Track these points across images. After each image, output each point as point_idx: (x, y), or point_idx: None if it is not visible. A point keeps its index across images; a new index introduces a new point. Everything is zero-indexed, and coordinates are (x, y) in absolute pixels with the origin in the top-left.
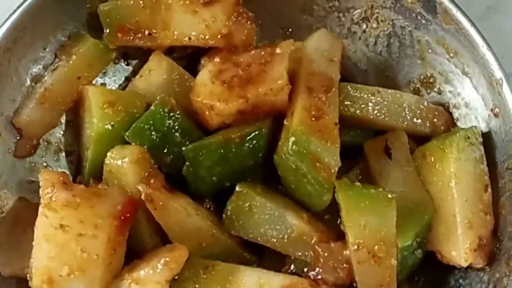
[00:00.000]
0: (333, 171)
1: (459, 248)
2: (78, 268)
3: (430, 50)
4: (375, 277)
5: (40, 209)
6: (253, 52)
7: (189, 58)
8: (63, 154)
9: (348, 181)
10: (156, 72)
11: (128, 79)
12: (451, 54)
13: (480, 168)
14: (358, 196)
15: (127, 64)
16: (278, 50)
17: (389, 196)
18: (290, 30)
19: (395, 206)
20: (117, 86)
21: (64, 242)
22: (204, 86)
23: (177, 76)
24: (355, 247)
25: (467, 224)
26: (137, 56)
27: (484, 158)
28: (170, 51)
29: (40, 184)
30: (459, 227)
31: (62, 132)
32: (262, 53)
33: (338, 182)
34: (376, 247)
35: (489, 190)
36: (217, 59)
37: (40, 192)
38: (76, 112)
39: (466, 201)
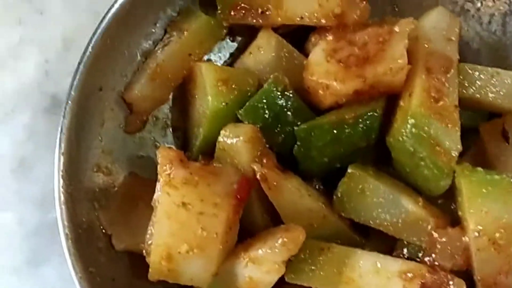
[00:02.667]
0: (453, 155)
1: None
2: (197, 246)
3: None
4: (494, 265)
5: (161, 186)
6: (369, 29)
7: (294, 34)
8: (170, 129)
9: (470, 166)
10: (266, 50)
11: (233, 56)
12: None
13: None
14: (480, 182)
15: (232, 41)
16: (396, 29)
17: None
18: (398, 7)
19: None
20: (222, 62)
21: (185, 220)
22: (319, 65)
23: (287, 54)
24: (476, 233)
25: None
26: (242, 32)
27: None
28: (275, 28)
29: (158, 161)
30: None
31: (169, 108)
32: (380, 31)
33: (460, 167)
34: (497, 235)
35: None
36: (330, 37)
37: (158, 169)
38: (183, 88)
39: None
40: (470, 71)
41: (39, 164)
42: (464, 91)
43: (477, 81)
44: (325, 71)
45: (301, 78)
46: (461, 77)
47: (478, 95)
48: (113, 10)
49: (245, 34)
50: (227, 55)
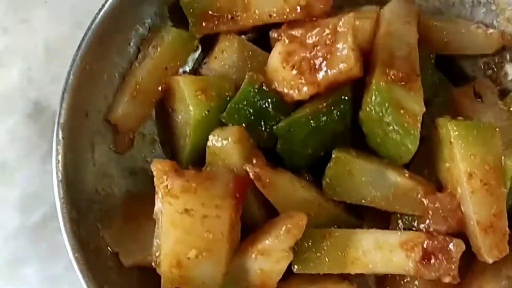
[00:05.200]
0: (418, 117)
1: None
2: (205, 249)
3: None
4: (488, 207)
5: (160, 197)
6: (318, 29)
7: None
8: (158, 144)
9: (449, 119)
10: (229, 52)
11: (196, 62)
12: None
13: None
14: (463, 128)
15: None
16: (339, 29)
17: (493, 125)
18: None
19: (500, 136)
20: (189, 71)
21: (190, 225)
22: (276, 71)
23: (250, 53)
24: (468, 176)
25: None
26: (203, 39)
27: None
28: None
29: (154, 173)
30: None
31: (153, 124)
32: (326, 32)
33: (441, 119)
34: (487, 176)
35: None
36: (285, 39)
37: (155, 181)
38: (162, 103)
39: None
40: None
41: (21, 168)
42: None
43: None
44: (281, 79)
45: None
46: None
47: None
48: (87, 36)
49: (205, 40)
50: (191, 64)
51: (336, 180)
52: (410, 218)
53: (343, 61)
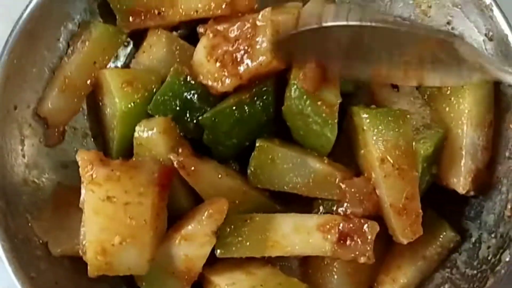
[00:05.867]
0: (335, 107)
1: (459, 176)
2: (128, 235)
3: None
4: (401, 190)
5: (84, 185)
6: (239, 23)
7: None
8: (90, 137)
9: (363, 106)
10: (157, 46)
11: (128, 57)
12: None
13: (490, 106)
14: (375, 115)
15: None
16: (258, 23)
17: (404, 112)
18: None
19: (410, 122)
20: (120, 66)
21: (113, 212)
22: (201, 65)
23: (178, 47)
24: (380, 161)
25: (470, 157)
26: (132, 35)
27: (493, 94)
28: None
29: (79, 164)
30: (463, 159)
31: (85, 118)
32: (246, 26)
33: (355, 108)
34: (398, 160)
35: (492, 126)
36: (209, 34)
37: (80, 171)
38: (94, 97)
39: (473, 137)
40: None
41: None
42: None
43: None
44: (206, 72)
45: None
46: None
47: None
48: (15, 31)
49: (137, 36)
50: (123, 59)
51: (260, 169)
52: (330, 203)
53: (263, 54)
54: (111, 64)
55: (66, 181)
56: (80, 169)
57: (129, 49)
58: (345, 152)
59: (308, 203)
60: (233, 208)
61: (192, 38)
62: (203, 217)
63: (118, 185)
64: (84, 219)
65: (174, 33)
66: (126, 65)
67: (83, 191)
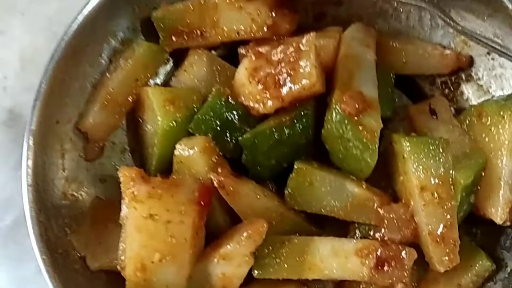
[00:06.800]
0: (376, 133)
1: (497, 207)
2: (168, 253)
3: (460, 18)
4: (440, 219)
5: (126, 202)
6: (282, 46)
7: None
8: (128, 153)
9: (403, 134)
10: (198, 66)
11: (168, 75)
12: (484, 17)
13: None
14: (416, 143)
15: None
16: (302, 47)
17: (444, 140)
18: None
19: (451, 150)
20: (160, 83)
21: (154, 230)
22: (243, 86)
23: (218, 67)
24: (420, 189)
25: (509, 188)
26: (173, 53)
27: None
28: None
29: (121, 180)
30: (501, 190)
31: (124, 133)
32: (290, 50)
33: (396, 134)
34: (438, 189)
35: None
36: (251, 56)
37: (122, 187)
38: (134, 112)
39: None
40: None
41: None
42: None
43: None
44: (248, 93)
45: None
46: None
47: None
48: (60, 47)
49: (176, 54)
50: (162, 77)
51: (297, 190)
52: (367, 227)
53: (306, 77)
54: (150, 81)
55: (104, 195)
56: (121, 185)
57: (169, 66)
58: (382, 176)
59: (344, 226)
60: (270, 229)
61: (231, 58)
62: (242, 238)
63: (159, 203)
64: (125, 235)
65: (214, 52)
66: (165, 83)
67: (124, 207)
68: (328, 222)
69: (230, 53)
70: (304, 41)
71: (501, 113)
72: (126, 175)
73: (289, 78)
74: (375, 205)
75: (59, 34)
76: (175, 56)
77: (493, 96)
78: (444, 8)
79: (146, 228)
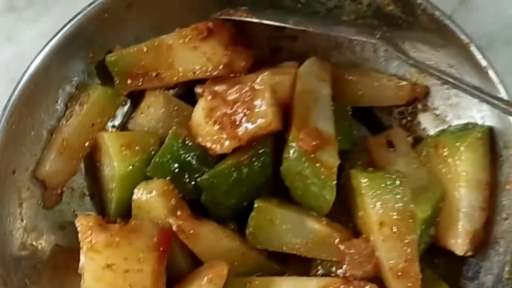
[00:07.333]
0: (333, 169)
1: (457, 238)
2: None
3: (414, 49)
4: (400, 253)
5: (84, 252)
6: (237, 87)
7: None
8: (88, 197)
9: (362, 169)
10: (155, 107)
11: (126, 116)
12: (438, 48)
13: (486, 167)
14: (373, 178)
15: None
16: (257, 86)
17: (401, 174)
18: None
19: (409, 184)
20: (117, 124)
21: (112, 280)
22: (200, 126)
23: (176, 108)
24: (379, 224)
25: (468, 219)
26: (130, 94)
27: (489, 155)
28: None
29: (78, 229)
30: (461, 221)
31: (82, 178)
32: (245, 89)
33: (353, 170)
34: (397, 223)
35: (489, 186)
36: (208, 96)
37: (79, 237)
38: (92, 157)
39: (470, 198)
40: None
41: None
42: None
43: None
44: (205, 134)
45: None
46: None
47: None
48: (14, 96)
49: (134, 95)
50: (120, 118)
51: (258, 229)
52: (329, 264)
53: (262, 116)
54: (108, 123)
55: (63, 243)
56: (79, 234)
57: (126, 107)
58: (343, 210)
59: (307, 263)
60: (232, 270)
61: (188, 97)
62: (202, 282)
63: (117, 251)
64: (84, 285)
65: (171, 91)
66: (123, 124)
67: (82, 257)
68: (291, 259)
69: (187, 92)
70: (258, 80)
71: (457, 144)
72: (83, 224)
73: (245, 117)
74: (336, 241)
75: (17, 79)
76: (133, 97)
77: (449, 126)
78: (396, 41)
79: (104, 278)
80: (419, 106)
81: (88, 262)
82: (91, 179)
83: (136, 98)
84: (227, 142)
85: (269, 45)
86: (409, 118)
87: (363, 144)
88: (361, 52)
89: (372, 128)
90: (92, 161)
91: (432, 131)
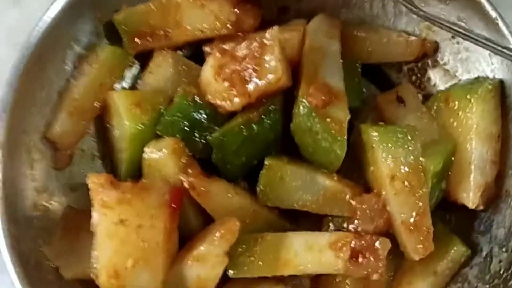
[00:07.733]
0: (344, 124)
1: (469, 191)
2: (141, 258)
3: (422, 4)
4: (411, 207)
5: (96, 209)
6: (246, 42)
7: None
8: (98, 159)
9: (372, 124)
10: (164, 66)
11: (134, 78)
12: (447, 1)
13: (497, 119)
14: (383, 132)
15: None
16: (266, 41)
17: (412, 128)
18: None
19: (419, 138)
20: (127, 86)
21: (125, 235)
22: (209, 84)
23: (184, 67)
24: (390, 178)
25: (479, 172)
26: (138, 55)
27: (500, 108)
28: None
29: (90, 187)
30: (472, 174)
31: (93, 139)
32: (254, 45)
33: (363, 124)
34: (408, 177)
35: (500, 139)
36: (216, 53)
37: (91, 194)
38: (102, 119)
39: (481, 151)
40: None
41: None
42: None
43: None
44: (214, 91)
45: None
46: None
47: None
48: (23, 56)
49: (142, 57)
50: (129, 80)
51: (269, 187)
52: (340, 219)
53: (271, 72)
54: (117, 86)
55: (75, 204)
56: (91, 192)
57: (135, 69)
58: (353, 167)
59: (318, 220)
60: (244, 227)
61: (197, 58)
62: (215, 238)
63: (130, 208)
64: (96, 242)
65: (180, 52)
66: (132, 86)
67: (94, 214)
68: (302, 217)
69: (196, 52)
70: (267, 35)
71: (468, 96)
72: (95, 181)
73: (254, 73)
74: (347, 196)
75: (21, 43)
76: (141, 59)
77: (460, 80)
78: None
79: (117, 234)
80: (429, 62)
81: (101, 218)
82: (101, 141)
83: (144, 60)
84: (236, 99)
85: (277, 4)
86: (418, 75)
87: (372, 102)
88: (370, 9)
89: (381, 86)
90: (102, 123)
91: (442, 87)
